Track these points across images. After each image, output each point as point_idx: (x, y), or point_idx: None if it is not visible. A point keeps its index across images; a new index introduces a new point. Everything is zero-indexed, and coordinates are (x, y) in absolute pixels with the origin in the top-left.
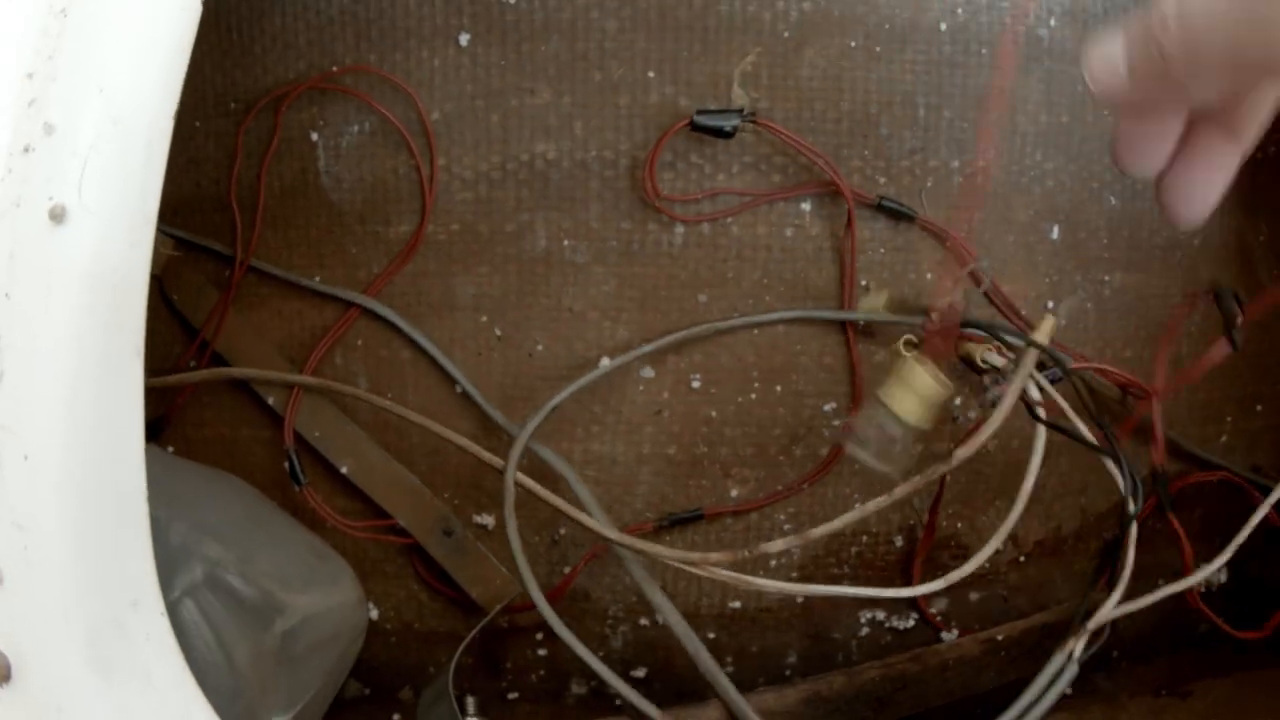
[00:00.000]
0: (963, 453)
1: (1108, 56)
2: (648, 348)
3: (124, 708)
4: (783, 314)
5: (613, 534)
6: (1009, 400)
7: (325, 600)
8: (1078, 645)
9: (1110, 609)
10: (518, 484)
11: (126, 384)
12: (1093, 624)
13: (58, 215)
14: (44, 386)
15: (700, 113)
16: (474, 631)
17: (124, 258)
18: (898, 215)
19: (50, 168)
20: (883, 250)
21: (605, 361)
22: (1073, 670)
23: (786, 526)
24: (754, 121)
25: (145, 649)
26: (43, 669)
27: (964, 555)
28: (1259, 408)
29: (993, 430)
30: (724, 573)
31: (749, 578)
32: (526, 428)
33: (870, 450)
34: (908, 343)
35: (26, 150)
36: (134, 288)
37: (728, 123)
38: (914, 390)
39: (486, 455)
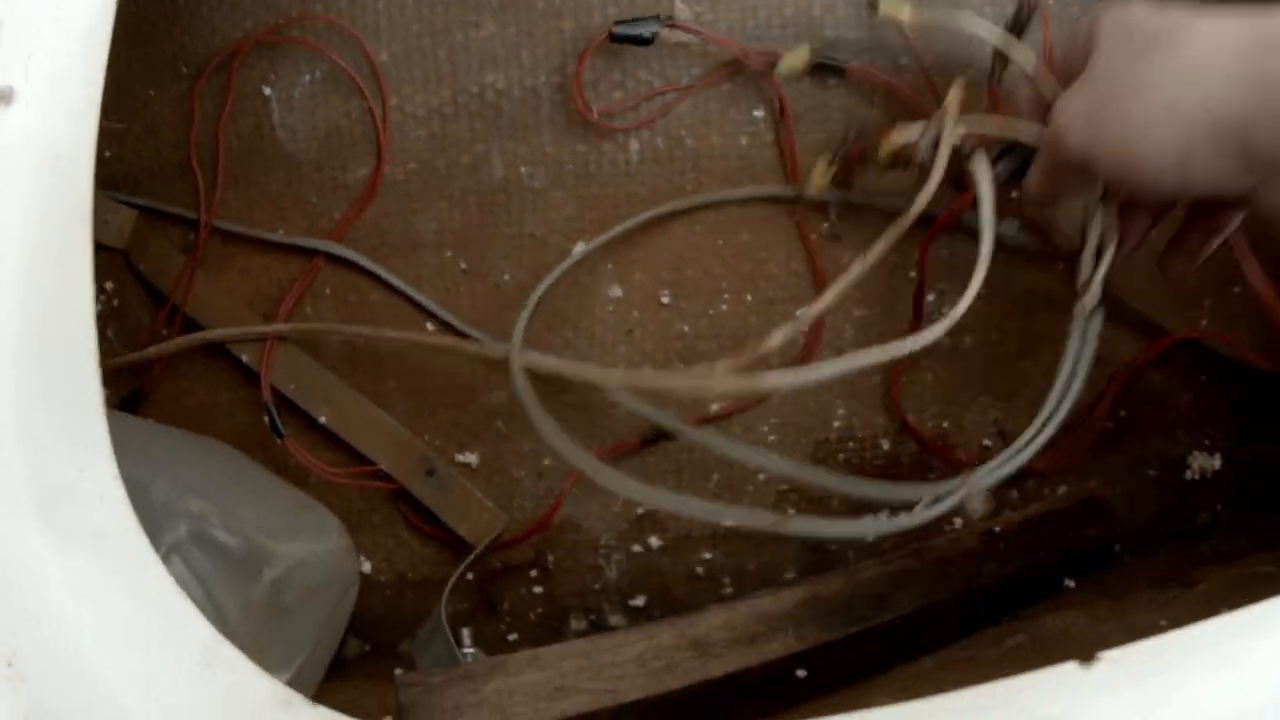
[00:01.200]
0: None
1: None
2: (615, 231)
3: (77, 570)
4: (741, 192)
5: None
6: (945, 148)
7: (312, 547)
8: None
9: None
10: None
11: (76, 251)
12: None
13: (6, 97)
14: None
15: (619, 23)
16: (465, 563)
17: (69, 132)
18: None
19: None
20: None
21: (580, 246)
22: (1096, 325)
23: (772, 439)
24: (671, 25)
25: (97, 512)
26: None
27: (951, 450)
28: (1236, 289)
29: (939, 179)
30: (737, 382)
31: (761, 383)
32: (519, 322)
33: None
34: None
35: None
36: (80, 159)
37: (646, 29)
38: None
39: (486, 345)
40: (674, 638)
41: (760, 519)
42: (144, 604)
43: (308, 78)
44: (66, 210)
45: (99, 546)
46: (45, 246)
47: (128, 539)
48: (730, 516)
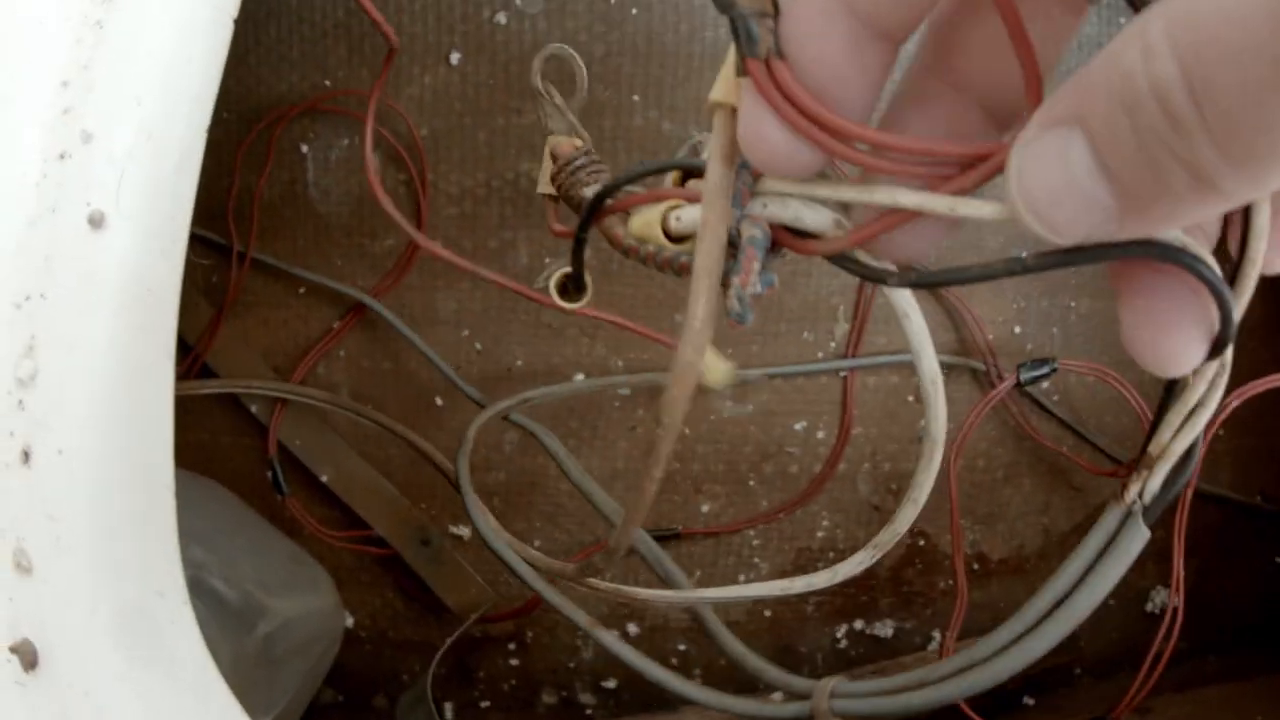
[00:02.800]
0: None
1: (1065, 176)
2: (627, 378)
3: (150, 691)
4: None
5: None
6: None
7: (305, 605)
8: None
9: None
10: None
11: (159, 386)
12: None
13: (96, 221)
14: (78, 386)
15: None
16: (452, 639)
17: (159, 265)
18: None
19: (88, 175)
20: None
21: (580, 377)
22: (1140, 533)
23: (756, 543)
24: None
25: (170, 635)
26: (70, 655)
27: (928, 570)
28: (1221, 431)
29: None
30: (598, 584)
31: (624, 589)
32: (496, 406)
33: None
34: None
35: (63, 157)
36: (167, 294)
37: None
38: None
39: (440, 457)
40: None
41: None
42: None
43: (346, 142)
44: (153, 345)
45: (170, 668)
46: (129, 382)
47: (197, 661)
48: None
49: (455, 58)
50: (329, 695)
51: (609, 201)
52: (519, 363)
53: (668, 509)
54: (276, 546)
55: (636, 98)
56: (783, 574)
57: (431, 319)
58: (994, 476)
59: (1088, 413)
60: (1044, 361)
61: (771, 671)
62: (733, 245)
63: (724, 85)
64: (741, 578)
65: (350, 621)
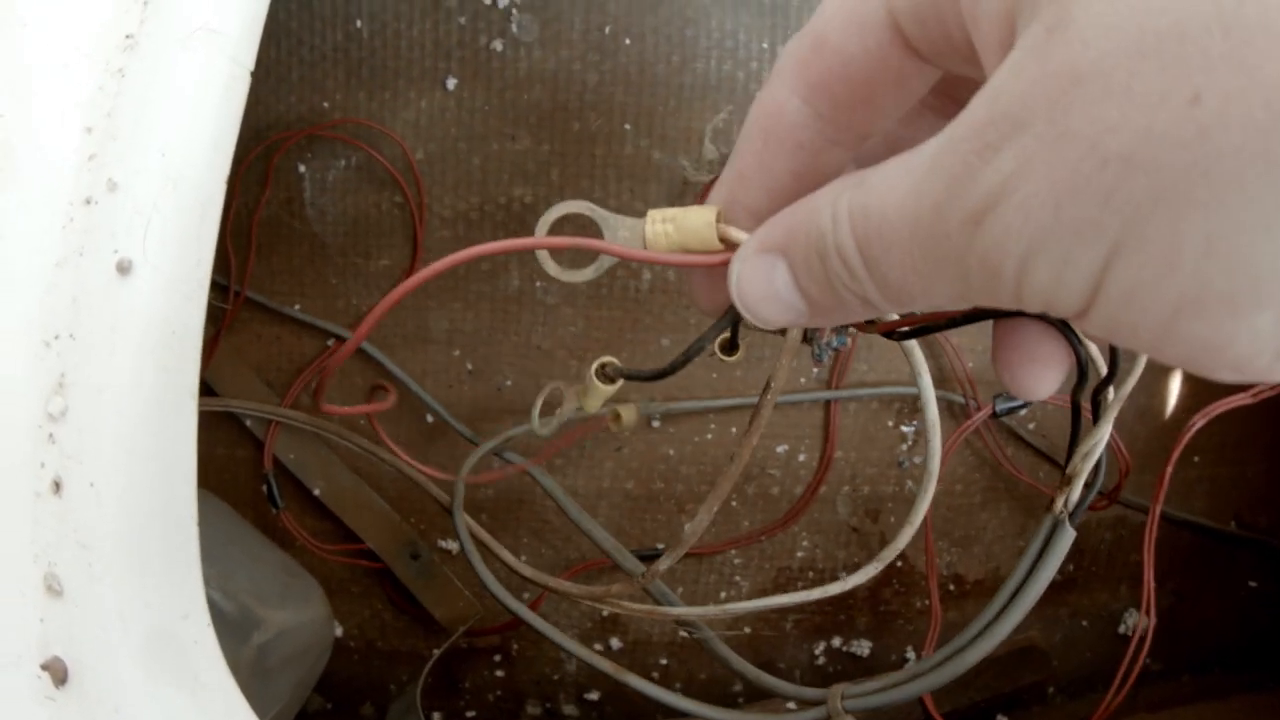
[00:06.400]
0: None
1: (770, 288)
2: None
3: (175, 707)
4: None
5: (528, 571)
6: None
7: (298, 616)
8: (1068, 496)
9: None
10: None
11: (183, 422)
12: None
13: (124, 268)
14: (108, 422)
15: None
16: (441, 650)
17: (182, 309)
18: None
19: (114, 222)
20: None
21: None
22: (1066, 534)
23: (738, 561)
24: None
25: (194, 655)
26: (100, 673)
27: (906, 591)
28: (1195, 459)
29: None
30: (633, 605)
31: (659, 608)
32: (484, 446)
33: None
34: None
35: (89, 202)
36: (190, 336)
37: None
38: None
39: (435, 490)
40: None
41: None
42: None
43: (343, 163)
44: (177, 384)
45: (194, 686)
46: (155, 419)
47: (219, 679)
48: None
49: (451, 83)
50: (317, 703)
51: None
52: (509, 382)
53: (652, 527)
54: (270, 558)
55: (628, 126)
56: (763, 592)
57: (424, 338)
58: (971, 501)
59: (1064, 442)
60: None
61: (785, 686)
62: None
63: None
64: (723, 595)
65: (340, 631)
